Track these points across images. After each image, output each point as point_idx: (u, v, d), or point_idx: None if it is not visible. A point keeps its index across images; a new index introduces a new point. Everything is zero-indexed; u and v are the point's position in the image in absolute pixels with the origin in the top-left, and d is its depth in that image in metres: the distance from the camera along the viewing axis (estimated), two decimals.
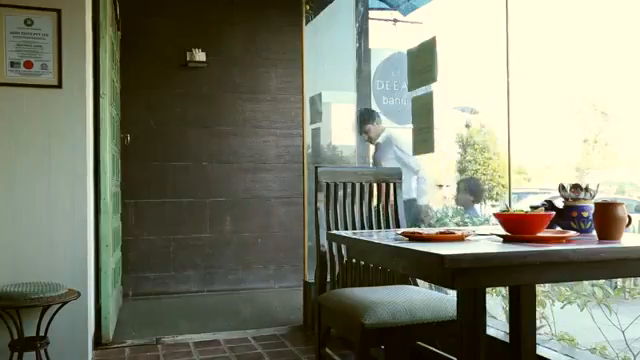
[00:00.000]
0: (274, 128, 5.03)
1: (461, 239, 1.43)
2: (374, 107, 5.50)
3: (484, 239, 1.46)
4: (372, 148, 4.74)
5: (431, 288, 2.25)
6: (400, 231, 1.54)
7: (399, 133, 4.49)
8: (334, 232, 1.74)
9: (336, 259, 2.37)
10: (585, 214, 1.58)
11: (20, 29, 2.63)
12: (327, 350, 2.19)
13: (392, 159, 4.08)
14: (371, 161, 5.46)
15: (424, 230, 1.57)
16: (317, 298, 2.22)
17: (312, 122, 5.25)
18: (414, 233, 1.46)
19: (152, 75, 4.68)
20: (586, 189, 1.61)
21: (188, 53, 4.69)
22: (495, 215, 1.48)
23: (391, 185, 2.56)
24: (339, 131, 5.52)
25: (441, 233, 1.48)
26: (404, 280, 2.35)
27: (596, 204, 1.50)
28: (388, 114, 5.53)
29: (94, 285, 3.05)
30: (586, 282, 3.01)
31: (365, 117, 4.61)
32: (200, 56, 4.71)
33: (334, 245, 2.36)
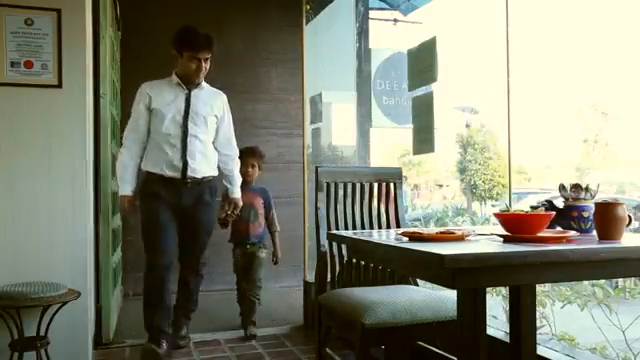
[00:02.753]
0: (274, 128, 5.02)
1: (461, 239, 1.43)
2: (374, 107, 5.50)
3: (484, 239, 1.46)
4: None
5: (432, 289, 2.25)
6: (400, 231, 1.54)
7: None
8: (334, 232, 1.74)
9: (336, 259, 2.37)
10: (585, 214, 1.58)
11: (20, 29, 2.63)
12: (327, 350, 2.19)
13: None
14: (371, 161, 5.46)
15: (424, 230, 1.57)
16: (317, 298, 2.22)
17: (312, 122, 5.25)
18: (414, 233, 1.46)
19: (152, 75, 4.64)
20: (586, 189, 1.61)
21: None
22: (495, 215, 1.48)
23: (391, 185, 2.56)
24: (339, 131, 5.52)
25: (441, 233, 1.48)
26: (404, 280, 2.35)
27: (596, 204, 1.50)
28: (388, 114, 5.54)
29: (94, 285, 3.05)
30: (586, 282, 3.02)
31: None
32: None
33: (334, 245, 2.36)
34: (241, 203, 3.18)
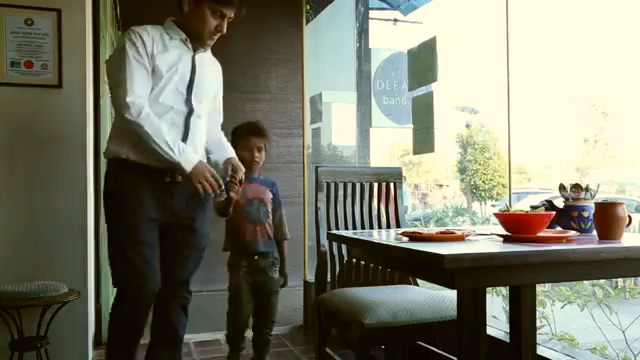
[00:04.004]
0: (274, 128, 5.01)
1: (461, 239, 1.43)
2: (374, 107, 5.51)
3: (484, 239, 1.46)
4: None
5: (432, 289, 2.25)
6: (400, 231, 1.54)
7: None
8: (334, 232, 1.74)
9: (336, 259, 2.37)
10: (585, 214, 1.58)
11: (20, 29, 2.63)
12: (327, 350, 2.19)
13: None
14: (371, 161, 5.46)
15: (424, 230, 1.57)
16: (317, 298, 2.22)
17: (312, 122, 5.25)
18: (414, 233, 1.46)
19: None
20: (586, 189, 1.61)
21: None
22: (495, 215, 1.48)
23: (391, 185, 2.56)
24: (339, 131, 5.52)
25: (441, 233, 1.48)
26: (404, 280, 2.35)
27: (596, 204, 1.50)
28: (388, 114, 5.54)
29: (94, 285, 3.05)
30: (586, 282, 3.02)
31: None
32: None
33: (334, 245, 2.36)
34: (242, 168, 2.24)
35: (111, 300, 3.27)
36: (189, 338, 3.35)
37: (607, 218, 1.44)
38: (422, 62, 3.05)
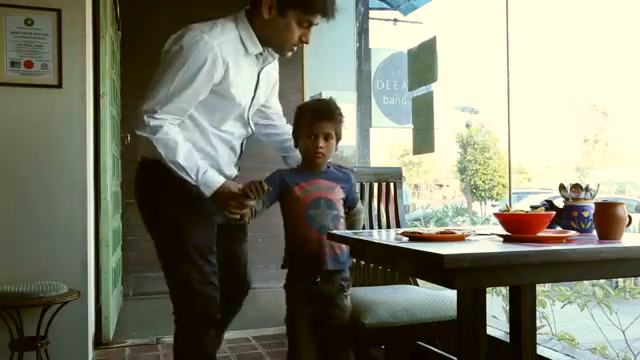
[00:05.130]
0: None
1: (461, 239, 1.43)
2: (374, 107, 5.50)
3: (484, 239, 1.46)
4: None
5: (432, 289, 2.25)
6: (400, 231, 1.54)
7: None
8: (334, 232, 1.74)
9: None
10: (585, 214, 1.58)
11: (20, 29, 2.63)
12: None
13: None
14: (371, 161, 5.45)
15: (424, 230, 1.57)
16: None
17: None
18: (414, 233, 1.46)
19: (152, 75, 4.67)
20: (586, 189, 1.61)
21: None
22: (495, 215, 1.48)
23: (391, 185, 2.56)
24: None
25: (441, 233, 1.47)
26: (404, 280, 2.35)
27: (596, 204, 1.50)
28: (388, 114, 5.54)
29: (94, 285, 3.05)
30: (586, 282, 3.02)
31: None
32: None
33: None
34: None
35: (111, 300, 3.28)
36: None
37: (607, 218, 1.44)
38: (422, 62, 3.05)
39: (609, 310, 2.86)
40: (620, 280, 3.86)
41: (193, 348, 1.88)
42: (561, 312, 3.14)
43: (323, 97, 1.99)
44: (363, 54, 5.44)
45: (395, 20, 6.85)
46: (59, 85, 2.69)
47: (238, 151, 1.99)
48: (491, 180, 17.79)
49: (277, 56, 1.95)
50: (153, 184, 1.90)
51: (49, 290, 2.45)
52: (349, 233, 1.71)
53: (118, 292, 3.93)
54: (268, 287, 4.10)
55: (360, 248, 1.66)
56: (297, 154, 2.03)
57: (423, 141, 3.06)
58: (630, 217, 1.47)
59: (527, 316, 1.55)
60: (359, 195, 2.29)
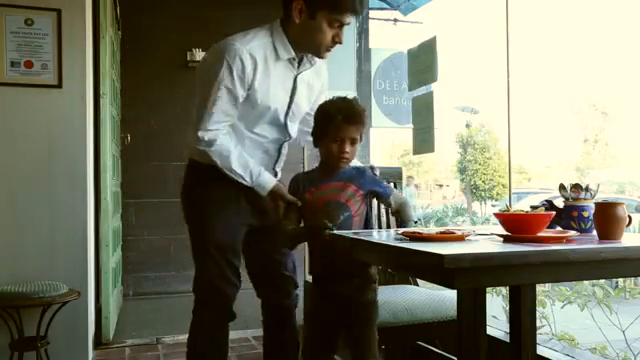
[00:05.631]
0: None
1: (462, 239, 1.43)
2: (374, 107, 5.50)
3: (484, 239, 1.46)
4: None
5: (432, 289, 2.25)
6: (401, 231, 1.54)
7: None
8: (334, 232, 1.74)
9: None
10: (585, 214, 1.58)
11: (20, 29, 2.63)
12: None
13: None
14: (371, 160, 5.44)
15: (424, 230, 1.56)
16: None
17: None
18: (414, 233, 1.46)
19: (152, 75, 4.68)
20: (586, 189, 1.61)
21: (188, 53, 4.69)
22: (495, 215, 1.48)
23: (392, 185, 2.55)
24: None
25: (441, 233, 1.47)
26: (404, 280, 2.35)
27: (596, 204, 1.50)
28: (388, 114, 5.53)
29: (94, 285, 3.05)
30: (586, 282, 3.02)
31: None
32: (200, 56, 4.70)
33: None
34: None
35: (111, 300, 3.28)
36: None
37: (607, 218, 1.44)
38: (422, 62, 3.05)
39: (609, 310, 2.86)
40: (620, 280, 3.86)
41: (203, 338, 1.96)
42: (561, 312, 3.13)
43: (345, 96, 1.86)
44: (363, 54, 5.43)
45: (395, 20, 6.85)
46: (59, 85, 2.69)
47: (274, 155, 2.02)
48: (491, 180, 17.80)
49: (316, 62, 1.96)
50: (190, 184, 2.01)
51: (49, 290, 2.45)
52: (349, 233, 1.71)
53: (118, 292, 3.93)
54: None
55: (359, 248, 1.66)
56: None
57: (423, 141, 3.06)
58: (630, 217, 1.46)
59: (527, 316, 1.55)
60: (392, 186, 2.12)
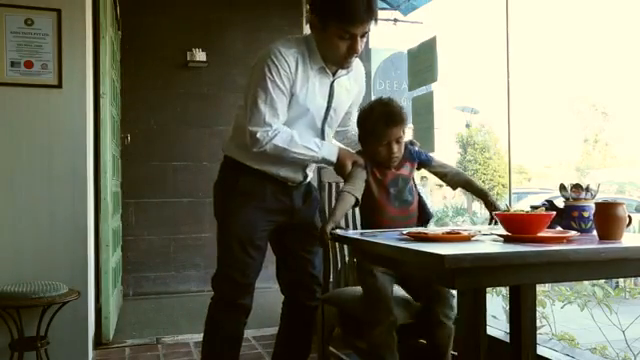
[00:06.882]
0: None
1: (467, 239, 1.43)
2: None
3: (488, 239, 1.46)
4: None
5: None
6: (405, 231, 1.54)
7: None
8: (337, 232, 1.74)
9: (339, 258, 2.37)
10: (586, 214, 1.58)
11: (20, 29, 2.63)
12: (331, 349, 2.20)
13: None
14: None
15: (430, 230, 1.56)
16: (320, 297, 2.22)
17: None
18: (419, 233, 1.46)
19: (152, 75, 4.68)
20: (587, 189, 1.61)
21: (188, 53, 4.69)
22: (496, 215, 1.48)
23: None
24: None
25: (447, 233, 1.47)
26: None
27: (597, 204, 1.50)
28: None
29: (94, 285, 3.05)
30: (586, 282, 3.01)
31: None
32: (200, 56, 4.70)
33: (337, 245, 2.36)
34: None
35: (111, 300, 3.28)
36: (189, 338, 3.35)
37: (607, 218, 1.44)
38: (422, 62, 3.05)
39: (609, 310, 2.86)
40: (620, 280, 3.86)
41: (218, 333, 2.02)
42: (561, 312, 3.13)
43: (381, 97, 1.98)
44: (363, 54, 5.43)
45: (395, 20, 6.84)
46: (59, 85, 2.69)
47: None
48: (491, 180, 17.78)
49: (352, 68, 1.99)
50: (221, 179, 2.06)
51: (49, 290, 2.45)
52: (351, 233, 1.71)
53: (118, 292, 3.93)
54: (268, 287, 4.11)
55: (361, 248, 1.66)
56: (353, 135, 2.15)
57: (423, 141, 3.05)
58: (630, 217, 1.46)
59: (527, 316, 1.55)
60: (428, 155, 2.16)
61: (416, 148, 2.06)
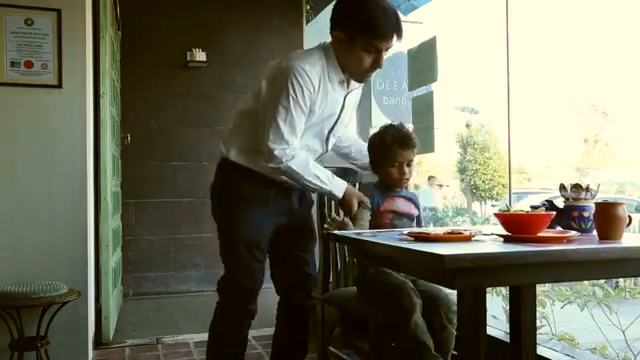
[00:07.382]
0: None
1: (468, 239, 1.42)
2: (374, 107, 5.50)
3: (489, 239, 1.46)
4: None
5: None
6: (406, 231, 1.54)
7: None
8: (336, 232, 1.74)
9: (338, 258, 2.37)
10: (586, 214, 1.58)
11: (20, 29, 2.63)
12: (331, 349, 2.20)
13: None
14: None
15: (431, 230, 1.56)
16: (320, 297, 2.22)
17: None
18: (421, 233, 1.46)
19: (152, 75, 4.68)
20: (587, 189, 1.61)
21: (188, 53, 4.69)
22: (495, 215, 1.48)
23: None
24: None
25: (449, 233, 1.47)
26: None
27: (597, 204, 1.50)
28: (388, 114, 5.54)
29: (94, 285, 3.05)
30: (586, 282, 3.01)
31: None
32: (200, 56, 4.71)
33: (337, 245, 2.36)
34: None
35: (111, 300, 3.28)
36: (189, 338, 3.35)
37: (607, 218, 1.44)
38: (422, 62, 3.05)
39: (609, 310, 2.85)
40: (620, 280, 3.86)
41: (224, 335, 2.05)
42: (561, 312, 3.13)
43: (392, 122, 2.10)
44: None
45: None
46: (59, 85, 2.69)
47: None
48: (491, 180, 17.77)
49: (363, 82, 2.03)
50: (221, 182, 2.08)
51: (49, 290, 2.45)
52: (350, 233, 1.71)
53: (118, 292, 3.93)
54: (268, 287, 4.11)
55: (361, 249, 1.66)
56: (363, 158, 2.20)
57: (423, 141, 3.05)
58: (630, 217, 1.46)
59: (527, 316, 1.55)
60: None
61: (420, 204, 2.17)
